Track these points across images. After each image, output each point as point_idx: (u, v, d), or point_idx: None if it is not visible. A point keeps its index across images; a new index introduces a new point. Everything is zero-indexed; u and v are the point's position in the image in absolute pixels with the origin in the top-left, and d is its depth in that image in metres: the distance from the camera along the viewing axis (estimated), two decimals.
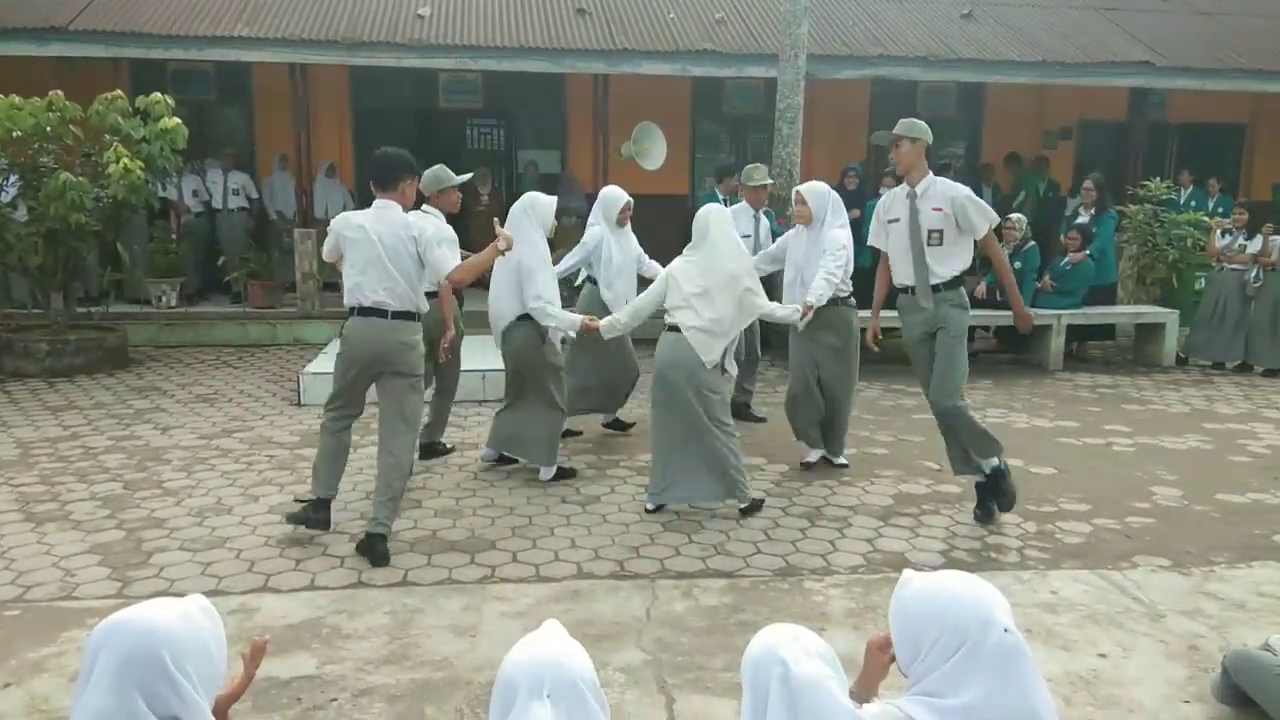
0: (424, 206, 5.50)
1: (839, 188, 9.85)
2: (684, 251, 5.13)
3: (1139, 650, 3.62)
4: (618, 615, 3.87)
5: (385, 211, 4.52)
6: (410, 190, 4.68)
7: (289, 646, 3.57)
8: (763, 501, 5.12)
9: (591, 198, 10.88)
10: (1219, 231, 9.33)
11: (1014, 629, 1.78)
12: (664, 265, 5.39)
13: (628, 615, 3.87)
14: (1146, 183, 10.47)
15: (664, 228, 11.58)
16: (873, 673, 2.05)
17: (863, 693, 2.05)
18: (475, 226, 10.60)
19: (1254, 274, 8.87)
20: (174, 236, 10.43)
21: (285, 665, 3.43)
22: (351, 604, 3.94)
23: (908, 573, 1.93)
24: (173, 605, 1.61)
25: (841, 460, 5.94)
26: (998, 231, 8.87)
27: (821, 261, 5.47)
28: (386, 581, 4.18)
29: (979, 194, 12.61)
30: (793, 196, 5.94)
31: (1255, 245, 8.92)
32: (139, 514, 4.94)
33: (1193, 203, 11.42)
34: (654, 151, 10.66)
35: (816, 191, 5.76)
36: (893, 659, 1.95)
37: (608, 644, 3.61)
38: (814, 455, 5.92)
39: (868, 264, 9.02)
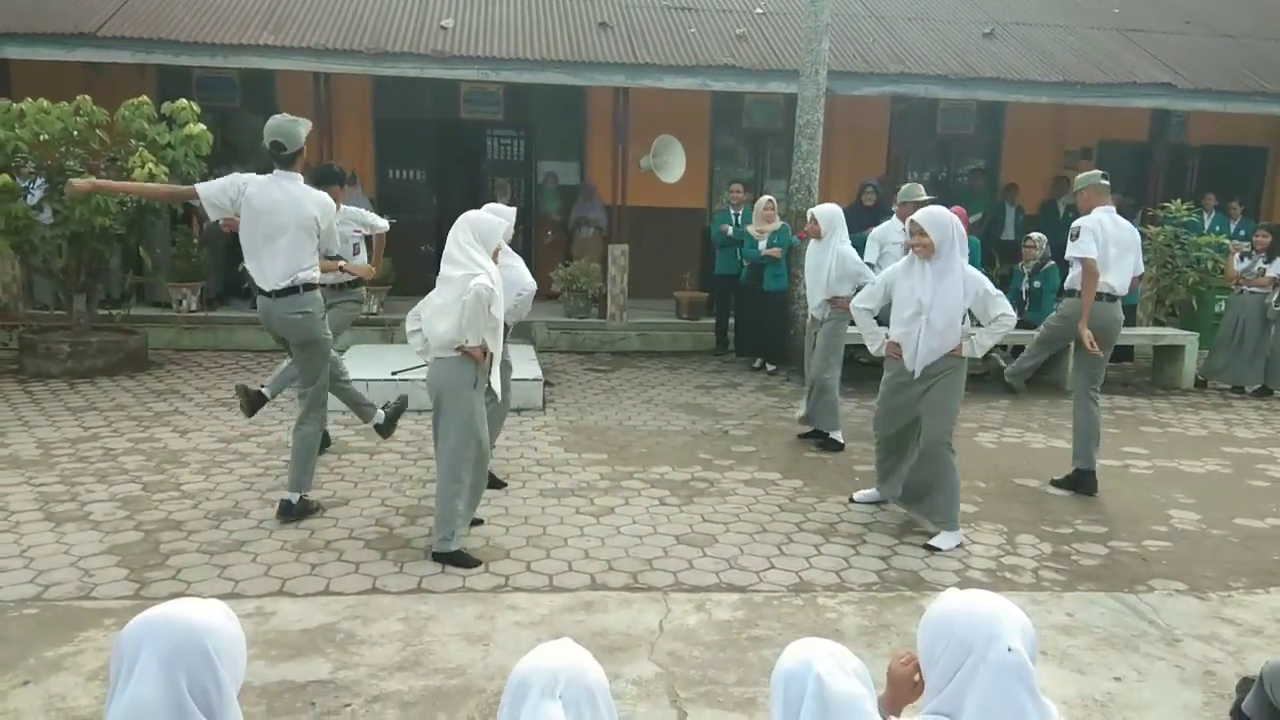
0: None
1: (856, 203, 9.97)
2: None
3: (1154, 674, 3.60)
4: (630, 628, 3.88)
5: None
6: None
7: (304, 651, 3.59)
8: None
9: (610, 210, 11.03)
10: (1237, 255, 9.28)
11: (1020, 649, 1.76)
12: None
13: (640, 628, 3.88)
14: (1167, 204, 10.43)
15: (682, 240, 11.65)
16: (899, 694, 2.04)
17: (885, 713, 2.04)
18: None
19: (1275, 298, 8.82)
20: (196, 241, 10.51)
21: (300, 670, 3.45)
22: (366, 610, 3.96)
23: (949, 590, 1.94)
24: (203, 603, 1.65)
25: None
26: (1017, 251, 8.95)
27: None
28: (401, 588, 4.19)
29: (1002, 214, 12.64)
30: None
31: (1276, 269, 8.87)
32: (157, 516, 4.97)
33: (1216, 226, 11.37)
34: (673, 165, 10.73)
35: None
36: (922, 679, 1.95)
37: (620, 656, 3.61)
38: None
39: None
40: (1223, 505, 5.69)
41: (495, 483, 5.69)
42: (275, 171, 4.88)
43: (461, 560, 4.45)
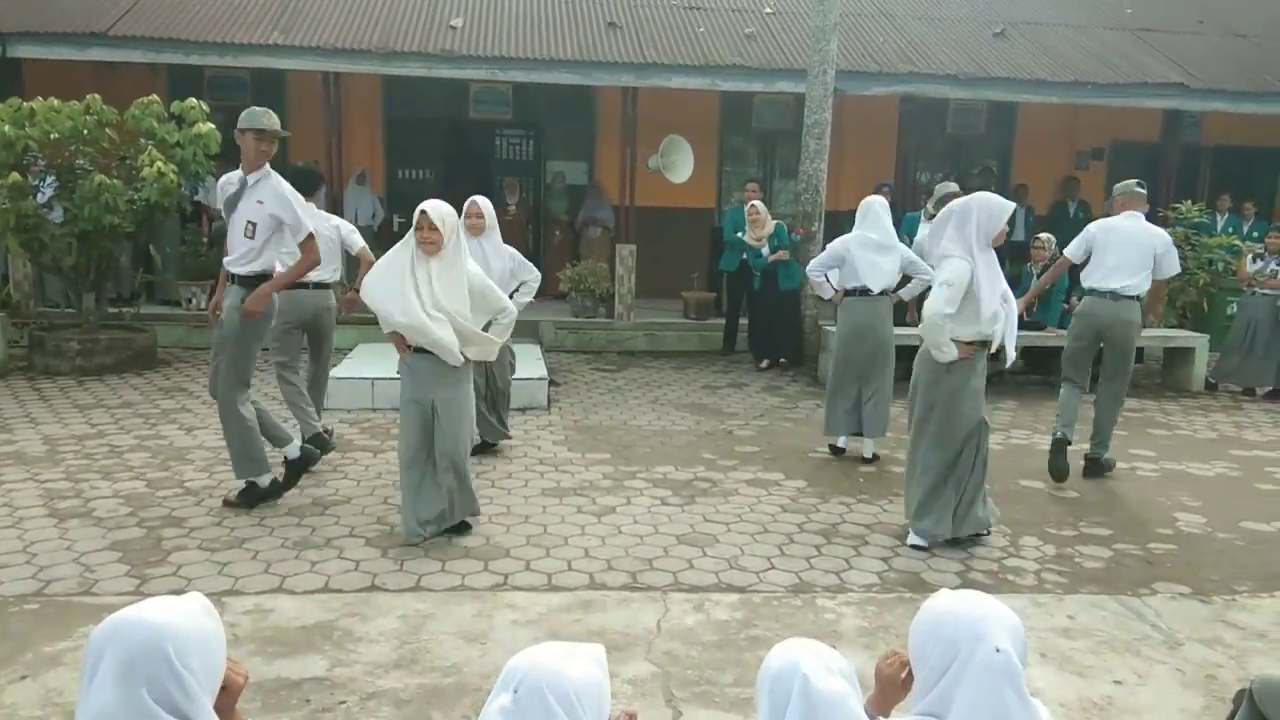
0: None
1: None
2: None
3: (1155, 678, 3.57)
4: (628, 627, 3.87)
5: None
6: None
7: (301, 648, 3.59)
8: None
9: (619, 210, 11.03)
10: (1250, 256, 9.21)
11: (1007, 649, 1.74)
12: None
13: (638, 627, 3.87)
14: (1178, 205, 10.36)
15: (690, 240, 11.63)
16: (886, 694, 2.03)
17: (873, 713, 2.03)
18: (502, 234, 10.64)
19: None
20: (205, 240, 10.57)
21: (296, 666, 3.45)
22: (364, 607, 3.96)
23: (939, 591, 1.93)
24: (174, 602, 1.63)
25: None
26: (1026, 251, 8.93)
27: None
28: (399, 586, 4.20)
29: (1011, 215, 12.68)
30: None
31: None
32: (160, 512, 4.99)
33: (1229, 228, 11.28)
34: (681, 165, 10.72)
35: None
36: (908, 679, 1.94)
37: (617, 656, 3.60)
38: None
39: None
40: (1230, 508, 5.64)
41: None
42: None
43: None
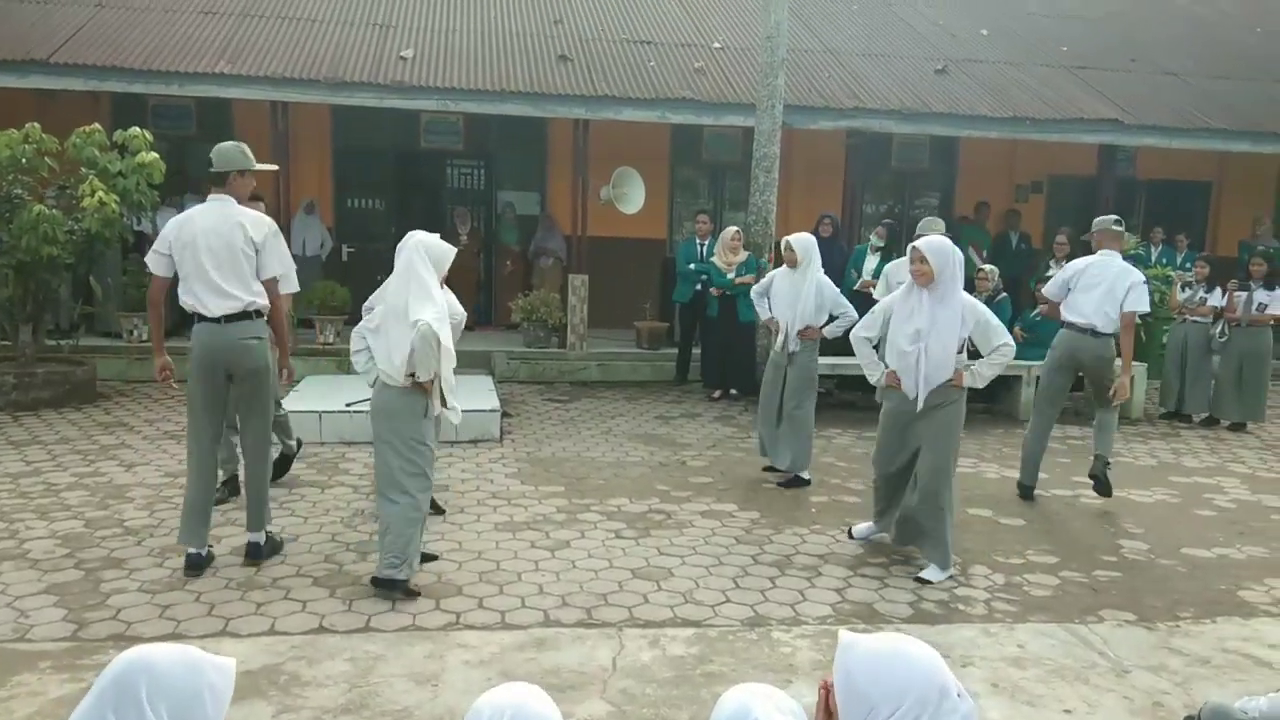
0: None
1: (814, 234, 10.07)
2: None
3: (1104, 707, 3.62)
4: (583, 665, 3.83)
5: None
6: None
7: (246, 694, 3.49)
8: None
9: (570, 240, 11.05)
10: (1180, 285, 9.50)
11: (964, 691, 1.76)
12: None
13: (593, 665, 3.83)
14: None
15: (641, 271, 11.68)
16: None
17: None
18: (453, 265, 10.60)
19: (1219, 329, 9.02)
20: (147, 270, 10.34)
21: (241, 714, 3.35)
22: (312, 650, 3.88)
23: (846, 636, 1.88)
24: (186, 651, 1.62)
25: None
26: (970, 283, 9.13)
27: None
28: (349, 627, 4.11)
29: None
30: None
31: (1216, 298, 9.08)
32: (99, 553, 4.85)
33: (1164, 259, 11.64)
34: (633, 196, 10.79)
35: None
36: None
37: (572, 695, 3.57)
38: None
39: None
40: (1170, 535, 5.77)
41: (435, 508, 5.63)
42: (210, 195, 4.86)
43: (409, 591, 4.41)
